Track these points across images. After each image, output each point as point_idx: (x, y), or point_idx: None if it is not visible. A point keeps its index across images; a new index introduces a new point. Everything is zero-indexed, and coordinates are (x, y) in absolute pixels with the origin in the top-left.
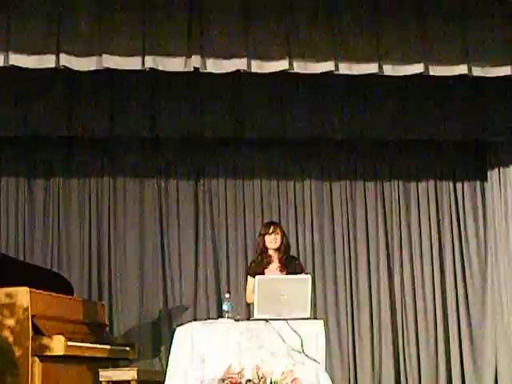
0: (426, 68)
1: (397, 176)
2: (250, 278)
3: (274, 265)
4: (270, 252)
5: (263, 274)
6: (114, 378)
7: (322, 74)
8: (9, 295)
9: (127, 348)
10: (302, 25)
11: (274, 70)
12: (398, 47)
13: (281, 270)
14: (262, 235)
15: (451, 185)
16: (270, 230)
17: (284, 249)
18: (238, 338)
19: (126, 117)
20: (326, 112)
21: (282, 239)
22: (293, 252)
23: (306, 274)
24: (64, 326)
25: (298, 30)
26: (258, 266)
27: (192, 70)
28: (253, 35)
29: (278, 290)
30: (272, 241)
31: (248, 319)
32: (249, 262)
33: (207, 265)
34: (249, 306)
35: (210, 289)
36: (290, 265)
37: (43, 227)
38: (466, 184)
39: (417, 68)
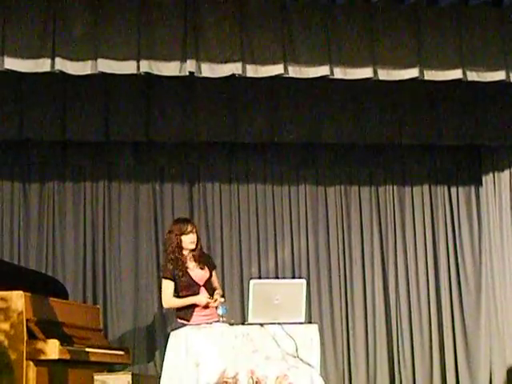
0: (421, 73)
1: (391, 181)
2: (167, 281)
3: (193, 263)
4: (185, 251)
5: (184, 275)
6: (109, 382)
7: (317, 78)
8: (3, 299)
9: (122, 352)
10: (297, 29)
11: (269, 75)
12: (392, 52)
13: (201, 268)
14: (178, 235)
15: (446, 190)
16: (188, 229)
17: (199, 245)
18: (233, 342)
19: (121, 121)
20: (321, 117)
21: (199, 236)
22: (288, 256)
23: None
24: (58, 330)
25: (293, 34)
26: (175, 268)
27: (187, 74)
28: (248, 40)
29: (272, 294)
30: (192, 239)
31: (243, 323)
32: (243, 265)
33: None
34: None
35: None
36: (209, 261)
37: (38, 231)
38: (460, 189)
39: (411, 73)
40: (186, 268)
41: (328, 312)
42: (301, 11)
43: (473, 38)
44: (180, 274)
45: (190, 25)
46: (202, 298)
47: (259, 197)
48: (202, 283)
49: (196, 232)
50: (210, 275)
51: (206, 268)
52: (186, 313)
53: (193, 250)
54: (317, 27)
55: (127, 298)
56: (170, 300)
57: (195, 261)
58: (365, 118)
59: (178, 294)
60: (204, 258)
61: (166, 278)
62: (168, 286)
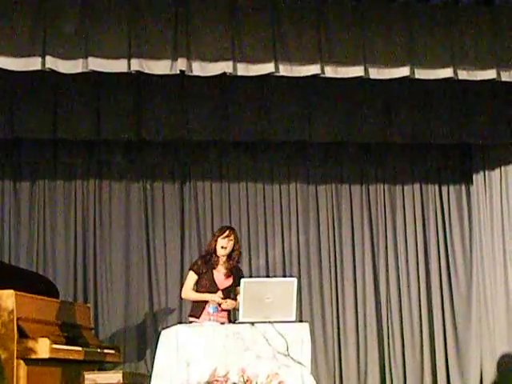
0: (412, 71)
1: (382, 179)
2: (192, 274)
3: (221, 269)
4: (220, 255)
5: (207, 273)
6: (100, 381)
7: (308, 77)
8: None
9: (113, 351)
10: (288, 28)
11: (260, 73)
12: (383, 50)
13: (227, 276)
14: (216, 236)
15: (437, 188)
16: (225, 234)
17: (235, 256)
18: (224, 341)
19: (112, 119)
20: (312, 115)
21: (234, 246)
22: (278, 255)
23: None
24: (49, 329)
25: (283, 32)
26: (204, 265)
27: (178, 72)
28: (239, 38)
29: (263, 293)
30: (224, 244)
31: (233, 322)
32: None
33: None
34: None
35: None
36: (237, 275)
37: (29, 230)
38: (451, 187)
39: (402, 71)
40: (213, 269)
41: (319, 310)
42: (292, 9)
43: (464, 36)
44: (205, 271)
45: (181, 23)
46: (216, 296)
47: (250, 195)
48: (221, 287)
49: (233, 240)
50: (232, 286)
51: (232, 279)
52: (197, 309)
53: (228, 258)
54: (308, 26)
55: (118, 296)
56: (188, 291)
57: (225, 268)
58: (356, 116)
59: (196, 290)
60: (235, 271)
61: (191, 269)
62: (191, 278)
